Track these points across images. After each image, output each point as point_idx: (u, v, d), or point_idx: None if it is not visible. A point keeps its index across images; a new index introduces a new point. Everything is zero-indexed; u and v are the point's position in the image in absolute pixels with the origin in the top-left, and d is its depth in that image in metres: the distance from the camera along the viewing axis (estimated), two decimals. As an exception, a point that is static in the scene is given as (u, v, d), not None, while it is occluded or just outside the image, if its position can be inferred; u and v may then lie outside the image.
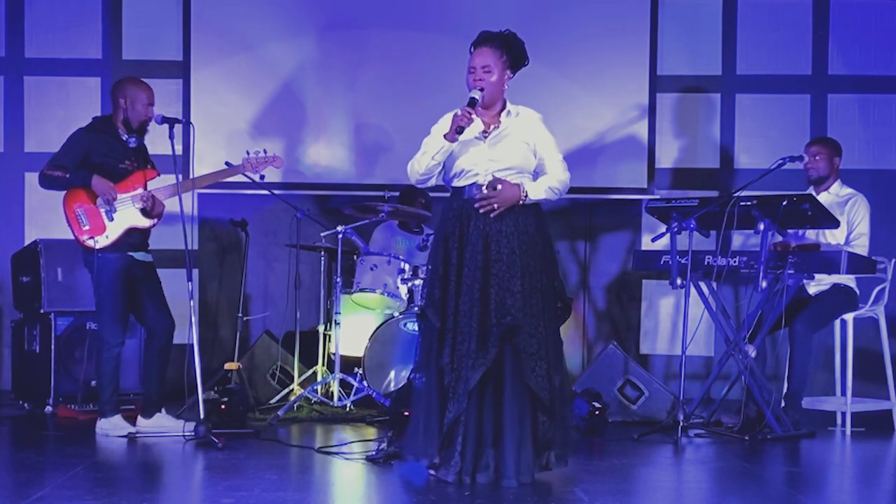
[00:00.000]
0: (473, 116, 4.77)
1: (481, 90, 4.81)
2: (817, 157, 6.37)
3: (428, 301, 4.87)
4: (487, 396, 4.77)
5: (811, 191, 6.38)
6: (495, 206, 4.79)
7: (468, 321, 4.74)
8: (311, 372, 6.83)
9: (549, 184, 4.90)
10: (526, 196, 4.82)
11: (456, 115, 4.75)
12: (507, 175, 4.85)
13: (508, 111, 4.93)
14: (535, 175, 4.94)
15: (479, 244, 4.79)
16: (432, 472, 4.79)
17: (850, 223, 6.27)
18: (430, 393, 4.81)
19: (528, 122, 4.93)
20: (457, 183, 4.91)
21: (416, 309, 6.36)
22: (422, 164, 4.88)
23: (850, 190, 6.39)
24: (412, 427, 4.88)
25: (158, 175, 6.00)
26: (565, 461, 4.90)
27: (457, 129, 4.73)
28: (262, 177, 6.11)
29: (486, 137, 4.86)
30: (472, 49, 4.91)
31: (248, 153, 6.10)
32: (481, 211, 4.79)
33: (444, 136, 4.79)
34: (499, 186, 4.80)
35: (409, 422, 4.98)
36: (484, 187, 4.81)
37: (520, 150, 4.87)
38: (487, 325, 4.73)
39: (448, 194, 4.98)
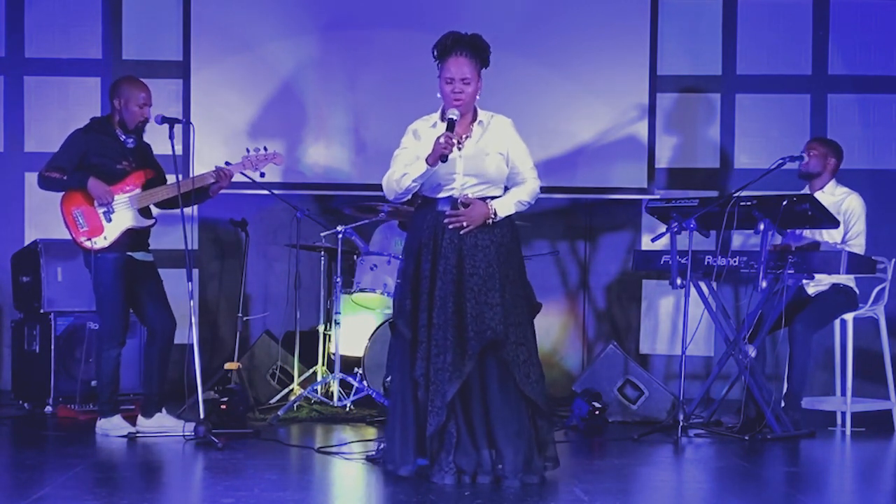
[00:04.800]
0: (454, 140, 4.72)
1: (460, 107, 4.77)
2: (810, 153, 6.37)
3: (399, 312, 4.88)
4: (474, 402, 4.77)
5: (806, 189, 6.37)
6: (464, 223, 4.79)
7: (443, 334, 4.73)
8: (311, 372, 6.83)
9: (518, 198, 4.89)
10: (495, 214, 4.81)
11: (438, 143, 4.69)
12: (482, 188, 4.85)
13: (480, 120, 4.90)
14: (509, 180, 4.92)
15: (453, 258, 4.78)
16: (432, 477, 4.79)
17: (846, 222, 6.26)
18: (404, 405, 4.83)
19: (500, 130, 4.90)
20: (430, 194, 4.90)
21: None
22: (402, 185, 4.84)
23: (845, 189, 6.38)
24: (388, 438, 4.91)
25: (157, 176, 6.00)
26: (557, 461, 4.91)
27: (440, 158, 4.70)
28: (262, 174, 6.11)
29: (459, 149, 4.81)
30: (438, 54, 4.83)
31: (247, 150, 6.10)
32: (450, 227, 4.80)
33: (427, 160, 4.75)
34: (468, 204, 4.80)
35: (386, 428, 5.00)
36: (459, 202, 4.80)
37: (493, 162, 4.85)
38: (464, 338, 4.73)
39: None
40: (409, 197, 4.99)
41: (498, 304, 4.75)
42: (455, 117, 4.77)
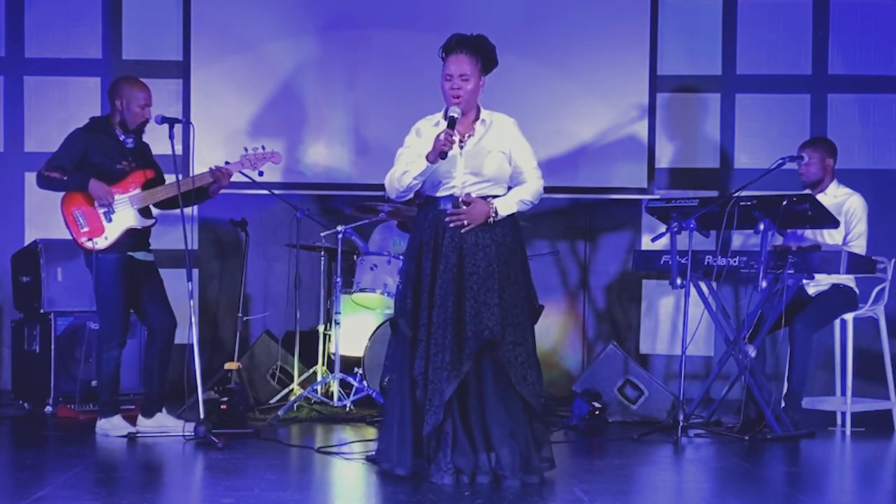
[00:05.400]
0: (455, 137, 4.74)
1: (459, 104, 4.79)
2: (807, 162, 6.35)
3: (400, 310, 4.88)
4: (471, 402, 4.77)
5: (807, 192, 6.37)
6: (465, 222, 4.79)
7: (442, 333, 4.73)
8: (311, 372, 6.84)
9: (520, 197, 4.89)
10: (496, 213, 4.82)
11: (438, 140, 4.70)
12: (483, 186, 4.86)
13: (483, 119, 4.91)
14: (512, 180, 4.94)
15: (454, 257, 4.79)
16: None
17: (848, 223, 6.26)
18: (402, 404, 4.83)
19: (503, 129, 4.91)
20: (432, 193, 4.91)
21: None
22: (403, 182, 4.85)
23: (847, 190, 6.38)
24: (385, 437, 4.91)
25: (156, 176, 6.01)
26: (553, 462, 4.90)
27: (440, 155, 4.71)
28: (260, 173, 6.11)
29: (461, 148, 4.83)
30: (444, 55, 4.86)
31: (245, 150, 6.10)
32: (451, 226, 4.80)
33: (427, 157, 4.76)
34: (469, 203, 4.81)
35: (382, 428, 4.99)
36: (460, 200, 4.81)
37: (495, 161, 4.86)
38: (462, 337, 4.73)
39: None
40: (411, 195, 5.00)
41: (496, 304, 4.75)
42: (456, 115, 4.78)
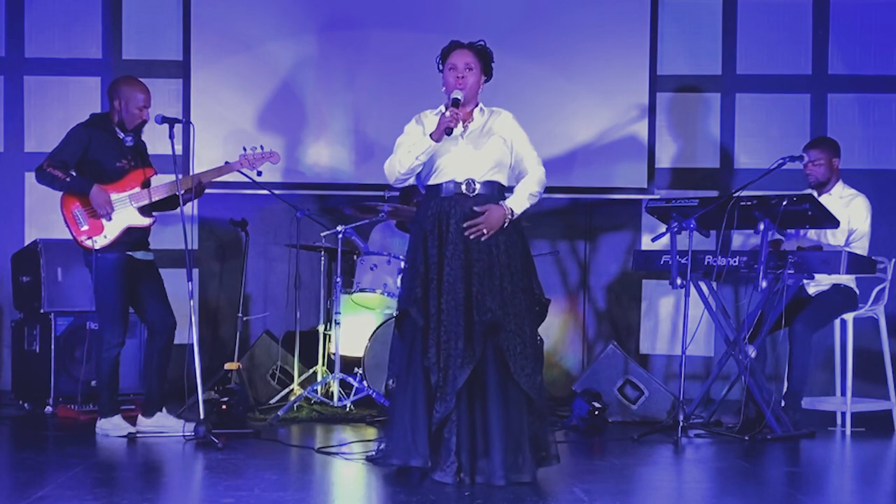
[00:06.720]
0: (459, 115, 4.81)
1: (462, 89, 4.87)
2: (816, 163, 6.35)
3: (409, 299, 4.87)
4: (476, 398, 4.77)
5: (813, 193, 6.35)
6: (484, 230, 4.82)
7: (455, 320, 4.75)
8: (311, 372, 6.83)
9: (528, 190, 4.94)
10: (512, 213, 4.86)
11: (443, 116, 4.79)
12: (485, 171, 4.88)
13: (482, 108, 5.00)
14: (514, 170, 4.98)
15: (461, 244, 4.81)
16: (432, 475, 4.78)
17: (851, 224, 6.26)
18: (416, 393, 4.81)
19: (502, 119, 4.99)
20: (433, 181, 4.93)
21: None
22: (404, 164, 4.88)
23: (852, 191, 6.38)
24: (397, 429, 4.87)
25: (155, 174, 6.01)
26: (557, 458, 4.90)
27: (445, 131, 4.76)
28: (259, 173, 6.11)
29: (462, 134, 4.88)
30: (441, 57, 4.96)
31: (244, 149, 6.10)
32: (472, 237, 4.81)
33: (431, 135, 4.82)
34: (485, 211, 4.83)
35: (391, 423, 4.96)
36: (472, 208, 4.83)
37: (497, 145, 4.91)
38: (472, 322, 4.75)
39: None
40: (412, 179, 4.97)
41: (497, 289, 4.78)
42: (459, 97, 4.85)
